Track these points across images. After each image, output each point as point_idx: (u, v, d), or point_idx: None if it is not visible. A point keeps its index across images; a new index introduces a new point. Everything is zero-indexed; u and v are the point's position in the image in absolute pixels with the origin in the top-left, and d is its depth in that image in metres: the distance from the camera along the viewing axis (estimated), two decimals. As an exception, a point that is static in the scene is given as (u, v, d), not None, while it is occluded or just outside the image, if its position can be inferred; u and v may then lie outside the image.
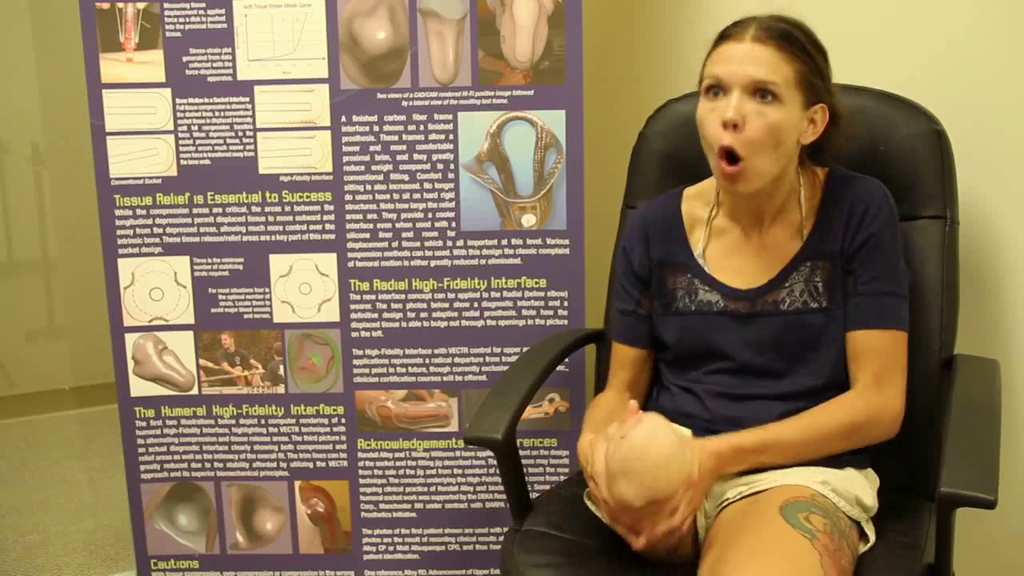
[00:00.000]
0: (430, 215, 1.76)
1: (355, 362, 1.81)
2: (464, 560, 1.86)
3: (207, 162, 1.76)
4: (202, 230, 1.78)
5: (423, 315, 1.79)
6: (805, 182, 1.32)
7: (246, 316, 1.80)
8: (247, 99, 1.74)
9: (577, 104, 1.72)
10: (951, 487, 1.02)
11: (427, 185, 1.75)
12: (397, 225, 1.77)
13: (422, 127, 1.74)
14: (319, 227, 1.77)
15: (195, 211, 1.77)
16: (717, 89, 1.23)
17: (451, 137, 1.74)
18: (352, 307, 1.79)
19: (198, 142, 1.75)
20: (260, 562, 1.88)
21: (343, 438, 1.83)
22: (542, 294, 1.77)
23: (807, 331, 1.28)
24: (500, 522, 1.83)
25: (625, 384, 1.44)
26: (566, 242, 1.75)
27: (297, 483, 1.85)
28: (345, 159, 1.75)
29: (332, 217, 1.77)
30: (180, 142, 1.75)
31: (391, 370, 1.81)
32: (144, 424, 1.84)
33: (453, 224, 1.76)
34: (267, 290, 1.79)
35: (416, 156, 1.75)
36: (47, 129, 3.20)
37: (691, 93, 1.53)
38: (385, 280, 1.78)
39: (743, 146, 1.20)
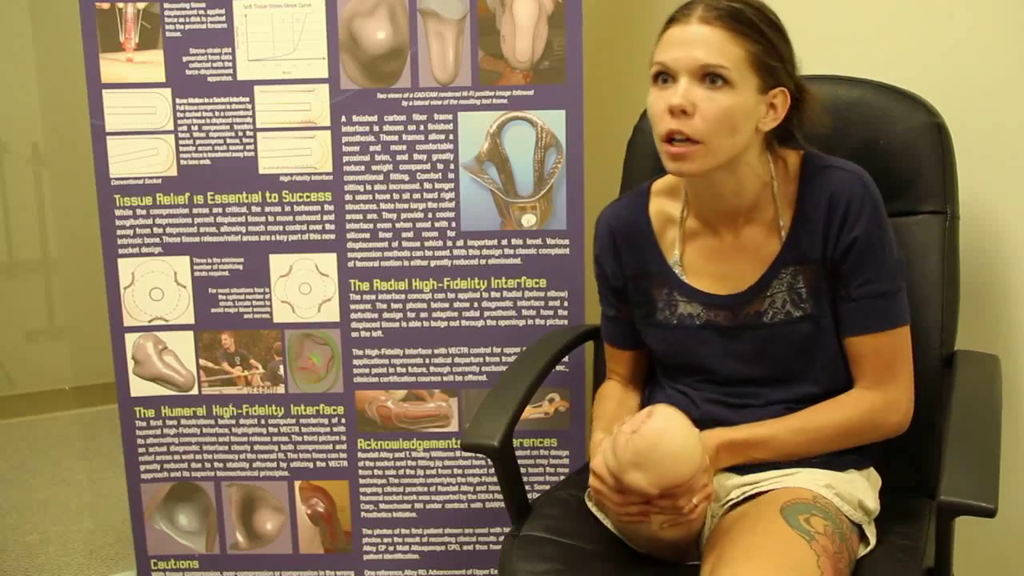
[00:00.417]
0: (430, 215, 1.76)
1: (355, 362, 1.81)
2: (464, 560, 1.86)
3: (207, 162, 1.76)
4: (202, 230, 1.78)
5: (423, 315, 1.79)
6: (777, 172, 1.24)
7: (246, 316, 1.80)
8: (247, 99, 1.74)
9: (577, 104, 1.72)
10: (951, 495, 1.02)
11: (427, 185, 1.75)
12: (397, 225, 1.77)
13: (422, 127, 1.74)
14: (319, 227, 1.77)
15: (195, 211, 1.77)
16: (665, 76, 1.16)
17: (451, 137, 1.74)
18: (352, 307, 1.79)
19: (198, 142, 1.75)
20: (260, 562, 1.88)
21: (343, 438, 1.83)
22: (542, 294, 1.77)
23: (794, 342, 1.23)
24: (500, 522, 1.83)
25: (624, 378, 1.43)
26: (566, 242, 1.75)
27: (297, 483, 1.85)
28: (345, 159, 1.75)
29: (332, 217, 1.77)
30: (180, 142, 1.75)
31: (391, 370, 1.81)
32: (144, 424, 1.84)
33: (453, 224, 1.76)
34: (267, 290, 1.79)
35: (416, 156, 1.75)
36: (47, 129, 3.20)
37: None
38: (385, 280, 1.78)
39: (694, 133, 1.13)
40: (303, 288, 1.79)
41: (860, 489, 1.22)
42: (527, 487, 1.45)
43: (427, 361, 1.80)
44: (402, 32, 1.72)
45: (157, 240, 1.78)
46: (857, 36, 1.60)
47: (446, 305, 1.78)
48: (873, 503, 1.23)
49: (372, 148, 1.75)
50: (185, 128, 1.75)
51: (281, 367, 1.82)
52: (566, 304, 1.77)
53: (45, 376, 3.34)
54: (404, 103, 1.73)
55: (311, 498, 1.86)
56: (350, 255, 1.78)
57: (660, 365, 1.38)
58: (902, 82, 1.40)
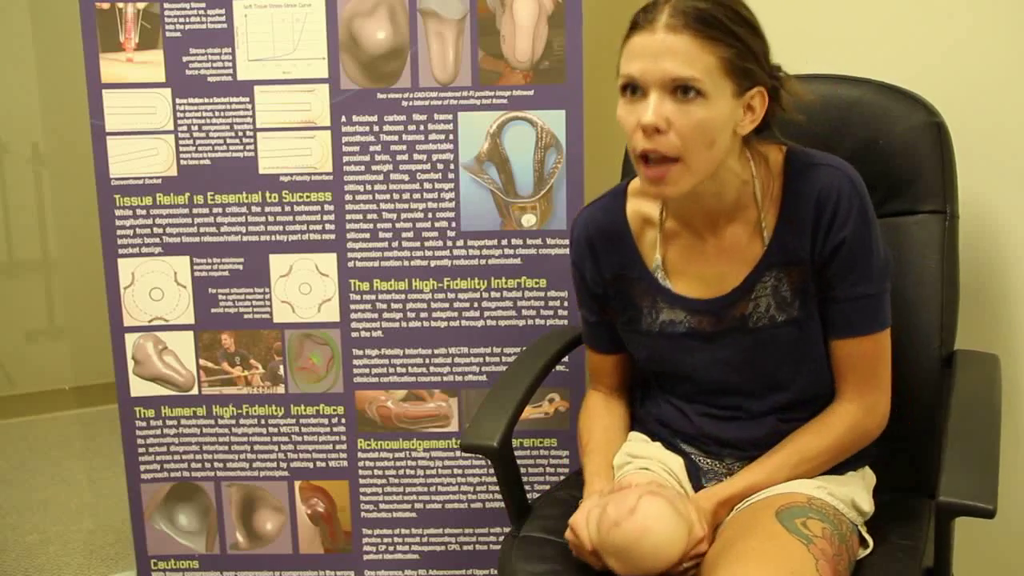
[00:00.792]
0: (430, 215, 1.76)
1: (355, 362, 1.81)
2: (464, 560, 1.86)
3: (207, 162, 1.76)
4: (202, 230, 1.78)
5: (423, 315, 1.79)
6: (758, 170, 1.18)
7: (246, 316, 1.80)
8: (247, 99, 1.74)
9: (577, 104, 1.72)
10: (950, 496, 1.02)
11: (427, 185, 1.75)
12: (397, 225, 1.77)
13: (422, 127, 1.74)
14: (319, 227, 1.77)
15: (195, 211, 1.77)
16: (633, 88, 1.09)
17: (451, 137, 1.74)
18: (352, 307, 1.79)
19: (198, 142, 1.75)
20: (260, 562, 1.88)
21: (343, 438, 1.83)
22: (542, 294, 1.77)
23: (780, 347, 1.20)
24: (500, 522, 1.83)
25: (609, 388, 1.40)
26: (566, 242, 1.75)
27: (297, 483, 1.85)
28: (345, 159, 1.75)
29: (332, 217, 1.77)
30: (180, 142, 1.75)
31: (391, 370, 1.81)
32: (144, 424, 1.84)
33: (453, 224, 1.76)
34: (267, 290, 1.79)
35: (416, 156, 1.75)
36: (47, 129, 3.20)
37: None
38: (385, 280, 1.78)
39: (670, 150, 1.08)
40: (303, 288, 1.79)
41: (854, 490, 1.21)
42: (527, 487, 1.45)
43: (427, 361, 1.80)
44: (402, 32, 1.72)
45: (157, 240, 1.78)
46: (857, 36, 1.61)
47: (446, 305, 1.78)
48: (868, 504, 1.22)
49: (372, 148, 1.75)
50: (185, 128, 1.75)
51: (281, 367, 1.82)
52: (566, 304, 1.76)
53: (45, 376, 3.33)
54: (404, 103, 1.73)
55: (311, 498, 1.86)
56: (350, 255, 1.78)
57: (646, 370, 1.35)
58: (902, 81, 1.40)
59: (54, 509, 2.55)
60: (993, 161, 1.42)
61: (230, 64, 1.73)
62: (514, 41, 1.71)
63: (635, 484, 1.16)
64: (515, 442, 1.37)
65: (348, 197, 1.76)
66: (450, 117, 1.73)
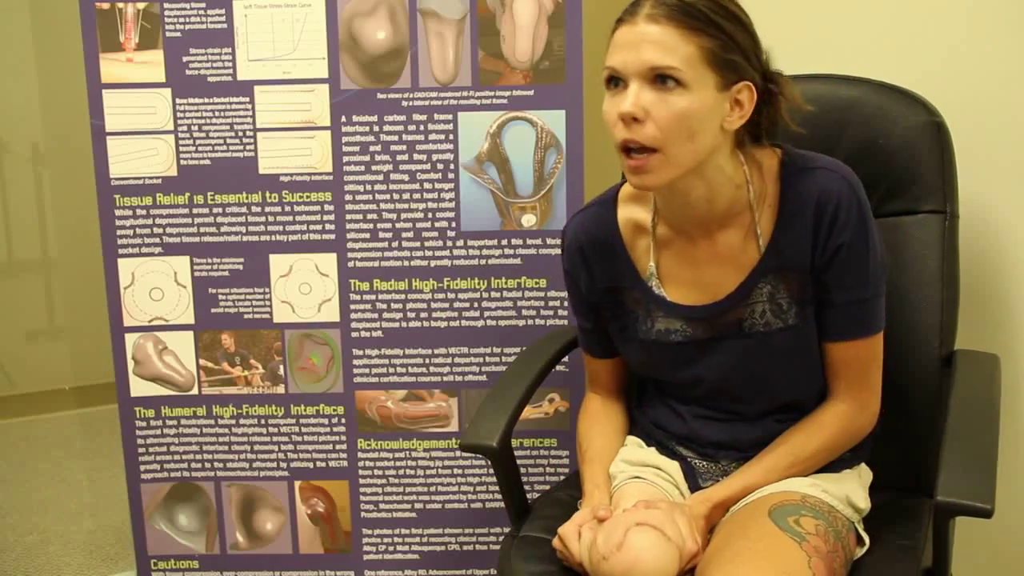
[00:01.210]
0: (430, 215, 1.76)
1: (355, 362, 1.81)
2: (464, 560, 1.86)
3: (207, 162, 1.76)
4: (202, 230, 1.78)
5: (423, 315, 1.79)
6: (753, 173, 1.17)
7: (246, 316, 1.80)
8: (247, 99, 1.74)
9: (577, 104, 1.72)
10: (947, 496, 1.02)
11: (427, 185, 1.75)
12: (397, 225, 1.77)
13: (422, 127, 1.74)
14: (319, 227, 1.77)
15: (195, 211, 1.77)
16: (616, 80, 1.09)
17: (451, 137, 1.74)
18: (352, 307, 1.79)
19: (198, 142, 1.75)
20: (260, 562, 1.88)
21: (343, 438, 1.83)
22: (542, 294, 1.77)
23: (775, 352, 1.19)
24: (500, 522, 1.83)
25: (607, 391, 1.40)
26: (566, 242, 1.75)
27: (297, 483, 1.85)
28: (345, 159, 1.75)
29: (332, 217, 1.77)
30: (180, 142, 1.75)
31: (391, 370, 1.81)
32: (144, 424, 1.84)
33: (453, 224, 1.76)
34: (267, 290, 1.79)
35: (416, 156, 1.75)
36: (47, 129, 3.20)
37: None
38: (385, 280, 1.78)
39: (648, 140, 1.07)
40: (303, 288, 1.79)
41: (849, 487, 1.21)
42: (527, 487, 1.45)
43: (427, 361, 1.80)
44: (402, 32, 1.72)
45: (157, 240, 1.78)
46: (856, 36, 1.61)
47: (446, 305, 1.78)
48: (863, 502, 1.22)
49: (372, 148, 1.75)
50: (185, 128, 1.75)
51: (281, 367, 1.82)
52: (566, 304, 1.76)
53: (45, 376, 3.33)
54: (404, 103, 1.73)
55: (311, 498, 1.86)
56: (350, 255, 1.78)
57: (641, 376, 1.36)
58: (902, 81, 1.40)
59: (54, 509, 2.55)
60: (993, 161, 1.42)
61: (230, 64, 1.73)
62: (514, 41, 1.71)
63: (624, 509, 1.15)
64: (515, 442, 1.37)
65: (348, 197, 1.76)
66: (450, 117, 1.73)
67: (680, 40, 1.05)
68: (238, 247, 1.78)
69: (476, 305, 1.78)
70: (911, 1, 1.52)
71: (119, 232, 1.78)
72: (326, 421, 1.83)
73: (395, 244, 1.77)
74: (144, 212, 1.77)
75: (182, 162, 1.76)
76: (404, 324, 1.79)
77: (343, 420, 1.83)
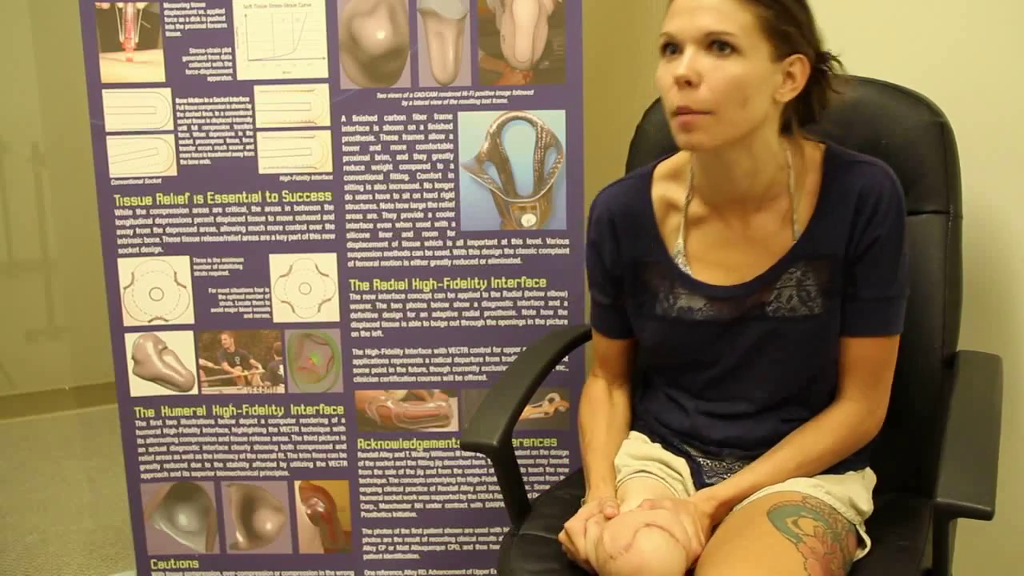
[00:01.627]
0: (430, 215, 1.76)
1: (355, 362, 1.81)
2: (464, 560, 1.86)
3: (207, 162, 1.76)
4: (202, 230, 1.78)
5: (423, 315, 1.79)
6: (794, 160, 1.18)
7: (246, 316, 1.80)
8: (247, 99, 1.74)
9: (577, 104, 1.72)
10: (947, 497, 1.02)
11: (427, 185, 1.75)
12: (397, 225, 1.77)
13: (422, 127, 1.74)
14: (319, 227, 1.77)
15: (195, 211, 1.77)
16: (672, 47, 1.10)
17: (451, 137, 1.74)
18: (352, 307, 1.79)
19: (198, 142, 1.75)
20: (260, 562, 1.88)
21: (343, 438, 1.83)
22: (542, 294, 1.77)
23: (796, 340, 1.20)
24: (500, 522, 1.83)
25: (613, 375, 1.40)
26: (566, 242, 1.75)
27: (297, 483, 1.85)
28: (345, 159, 1.75)
29: (332, 217, 1.77)
30: (180, 142, 1.75)
31: (391, 370, 1.81)
32: (144, 424, 1.84)
33: (453, 224, 1.76)
34: (267, 290, 1.79)
35: (416, 156, 1.75)
36: (47, 129, 3.20)
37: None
38: (385, 280, 1.78)
39: (701, 104, 1.07)
40: (303, 288, 1.79)
41: (852, 489, 1.21)
42: (527, 487, 1.45)
43: (427, 361, 1.80)
44: (402, 32, 1.72)
45: (157, 240, 1.78)
46: (860, 36, 1.60)
47: (446, 305, 1.78)
48: (866, 504, 1.22)
49: (372, 148, 1.75)
50: (185, 128, 1.75)
51: (281, 367, 1.82)
52: (566, 304, 1.76)
53: (45, 376, 3.33)
54: (404, 103, 1.73)
55: (311, 498, 1.86)
56: (350, 255, 1.78)
57: (651, 359, 1.35)
58: (905, 81, 1.40)
59: (54, 509, 2.55)
60: (996, 161, 1.42)
61: (230, 64, 1.73)
62: (514, 41, 1.71)
63: (630, 508, 1.15)
64: (515, 442, 1.37)
65: (348, 197, 1.76)
66: (450, 117, 1.73)
67: (737, 8, 1.07)
68: (238, 247, 1.78)
69: (476, 305, 1.78)
70: (914, 1, 1.52)
71: (119, 232, 1.78)
72: (326, 421, 1.83)
73: (395, 244, 1.77)
74: (144, 212, 1.77)
75: (182, 162, 1.76)
76: (404, 324, 1.79)
77: (343, 420, 1.83)
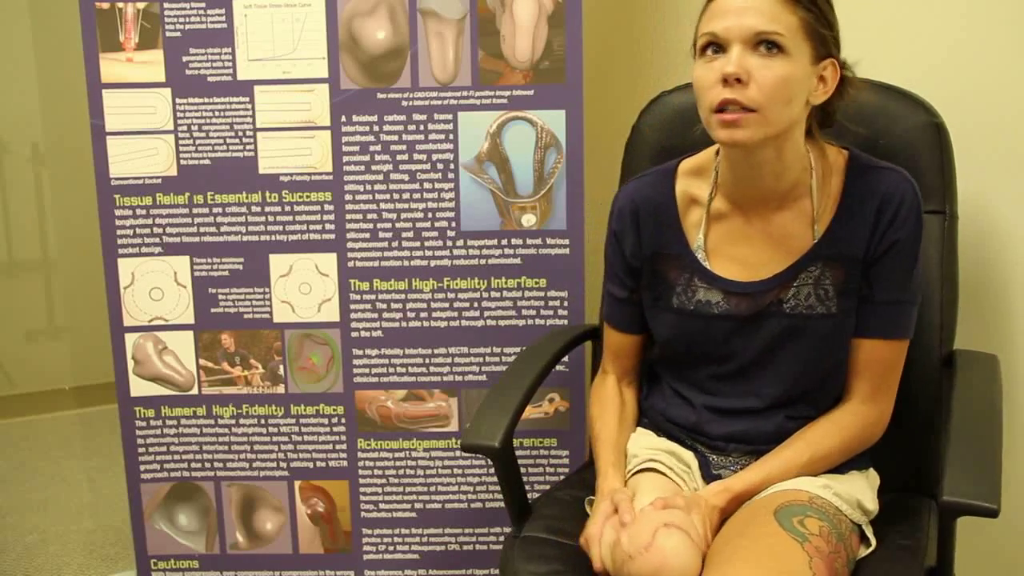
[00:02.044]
0: (430, 215, 1.76)
1: (355, 362, 1.81)
2: (464, 560, 1.86)
3: (207, 162, 1.76)
4: (202, 230, 1.78)
5: (423, 315, 1.79)
6: (816, 163, 1.21)
7: (246, 316, 1.80)
8: (247, 99, 1.74)
9: (577, 104, 1.72)
10: (953, 496, 1.02)
11: (427, 185, 1.75)
12: (397, 225, 1.77)
13: (422, 127, 1.74)
14: (319, 227, 1.77)
15: (195, 211, 1.77)
16: (715, 47, 1.12)
17: (451, 137, 1.74)
18: (352, 307, 1.79)
19: (198, 142, 1.75)
20: (260, 562, 1.88)
21: (343, 438, 1.83)
22: (542, 294, 1.77)
23: (810, 338, 1.21)
24: (500, 522, 1.83)
25: (622, 370, 1.40)
26: (566, 242, 1.75)
27: (297, 483, 1.85)
28: (345, 159, 1.75)
29: (332, 217, 1.77)
30: (180, 142, 1.75)
31: (391, 370, 1.81)
32: (144, 424, 1.84)
33: (453, 224, 1.76)
34: (267, 290, 1.79)
35: (416, 156, 1.75)
36: (47, 129, 3.20)
37: (684, 85, 1.53)
38: (385, 280, 1.78)
39: (749, 102, 1.09)
40: (303, 288, 1.79)
41: (859, 489, 1.22)
42: (527, 487, 1.45)
43: (427, 361, 1.80)
44: (402, 32, 1.72)
45: (157, 240, 1.78)
46: (856, 36, 1.60)
47: (446, 305, 1.78)
48: (872, 504, 1.23)
49: (372, 148, 1.75)
50: (185, 128, 1.75)
51: (281, 367, 1.82)
52: (566, 304, 1.77)
53: (45, 376, 3.33)
54: (404, 103, 1.73)
55: (311, 498, 1.86)
56: (350, 255, 1.78)
57: (663, 353, 1.35)
58: (902, 82, 1.40)
59: (54, 509, 2.55)
60: (992, 162, 1.42)
61: (230, 64, 1.73)
62: (514, 41, 1.71)
63: (643, 504, 1.16)
64: (515, 442, 1.37)
65: (348, 197, 1.76)
66: (450, 117, 1.73)
67: (783, 10, 1.10)
68: (238, 247, 1.78)
69: (476, 305, 1.78)
70: (911, 1, 1.52)
71: (119, 232, 1.78)
72: (326, 421, 1.83)
73: (395, 244, 1.77)
74: (144, 212, 1.77)
75: (182, 162, 1.76)
76: (404, 324, 1.79)
77: (343, 420, 1.83)
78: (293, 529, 1.87)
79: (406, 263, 1.78)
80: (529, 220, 1.75)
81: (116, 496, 2.51)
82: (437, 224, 1.76)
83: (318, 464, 1.84)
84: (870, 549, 1.19)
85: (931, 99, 1.38)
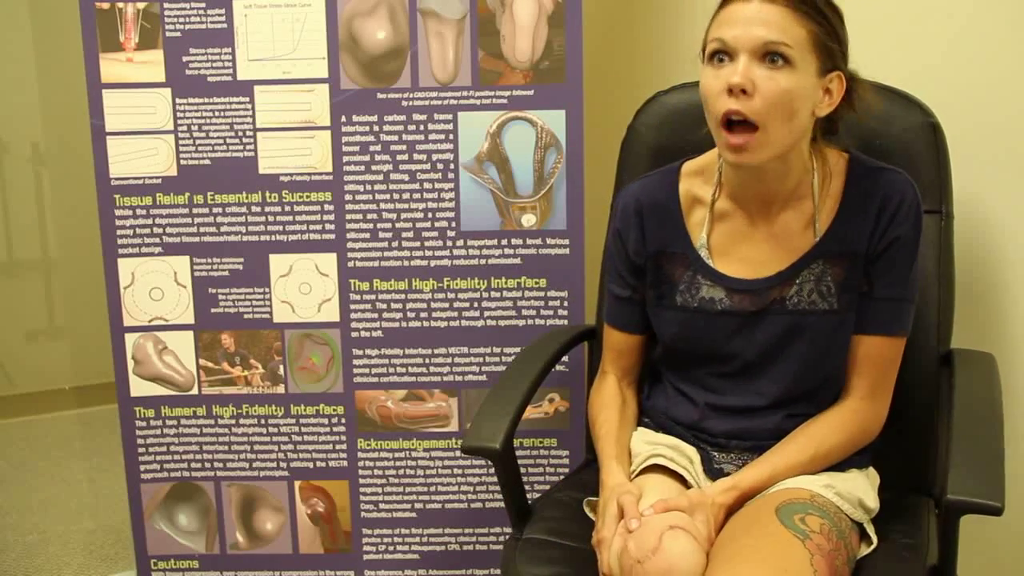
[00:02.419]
0: (430, 215, 1.76)
1: (355, 362, 1.81)
2: (464, 560, 1.86)
3: (207, 162, 1.76)
4: (202, 230, 1.78)
5: (423, 315, 1.79)
6: (818, 166, 1.23)
7: (246, 316, 1.80)
8: (247, 99, 1.74)
9: (577, 104, 1.72)
10: (958, 494, 1.02)
11: (427, 185, 1.75)
12: (397, 225, 1.77)
13: (422, 127, 1.74)
14: (319, 227, 1.77)
15: (195, 211, 1.77)
16: (722, 55, 1.13)
17: (451, 137, 1.74)
18: (352, 307, 1.79)
19: (198, 142, 1.75)
20: (260, 562, 1.88)
21: (343, 438, 1.83)
22: (542, 294, 1.77)
23: (812, 334, 1.22)
24: (500, 522, 1.83)
25: (623, 371, 1.41)
26: (566, 242, 1.75)
27: (297, 483, 1.85)
28: (345, 159, 1.75)
29: (332, 217, 1.77)
30: (180, 142, 1.75)
31: (391, 370, 1.81)
32: (144, 424, 1.84)
33: (453, 224, 1.76)
34: (267, 290, 1.79)
35: (416, 156, 1.75)
36: (47, 129, 3.20)
37: (680, 85, 1.53)
38: (385, 280, 1.78)
39: (753, 114, 1.11)
40: (303, 288, 1.79)
41: (860, 488, 1.22)
42: (527, 487, 1.45)
43: (427, 361, 1.80)
44: (402, 32, 1.72)
45: (157, 240, 1.78)
46: (853, 36, 1.60)
47: (446, 305, 1.78)
48: (873, 502, 1.23)
49: (372, 148, 1.75)
50: (185, 128, 1.75)
51: (281, 367, 1.82)
52: (566, 304, 1.77)
53: (45, 376, 3.33)
54: (404, 103, 1.73)
55: (311, 498, 1.86)
56: (350, 255, 1.78)
57: (666, 352, 1.35)
58: (897, 82, 1.41)
59: (54, 509, 2.55)
60: (988, 161, 1.42)
61: (230, 64, 1.73)
62: (514, 41, 1.71)
63: (652, 509, 1.15)
64: (515, 442, 1.37)
65: (348, 197, 1.76)
66: (450, 117, 1.73)
67: (793, 22, 1.10)
68: (238, 247, 1.78)
69: (476, 305, 1.78)
70: (907, 2, 1.52)
71: (119, 232, 1.78)
72: (326, 421, 1.83)
73: (395, 244, 1.77)
74: (144, 212, 1.77)
75: (182, 162, 1.76)
76: (404, 324, 1.79)
77: (343, 420, 1.83)
78: (293, 529, 1.87)
79: (406, 263, 1.78)
80: (529, 220, 1.75)
81: (116, 496, 2.51)
82: (437, 224, 1.76)
83: (318, 464, 1.84)
84: (871, 547, 1.19)
85: (927, 99, 1.38)
